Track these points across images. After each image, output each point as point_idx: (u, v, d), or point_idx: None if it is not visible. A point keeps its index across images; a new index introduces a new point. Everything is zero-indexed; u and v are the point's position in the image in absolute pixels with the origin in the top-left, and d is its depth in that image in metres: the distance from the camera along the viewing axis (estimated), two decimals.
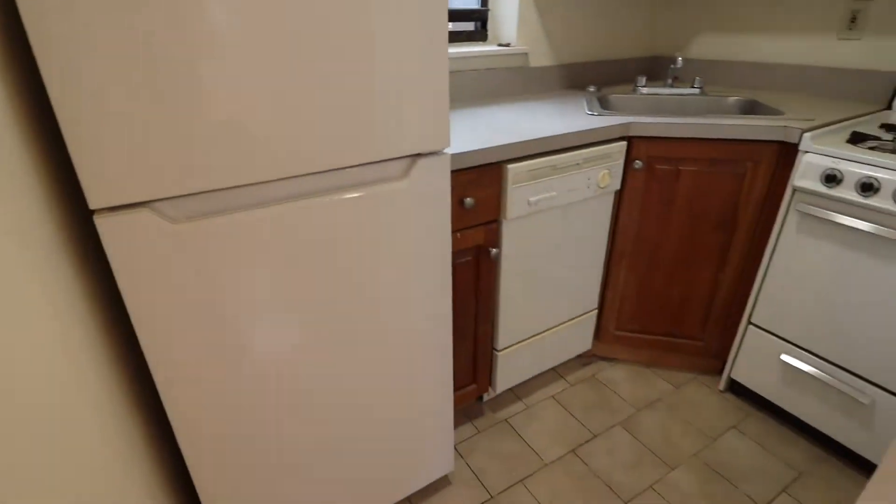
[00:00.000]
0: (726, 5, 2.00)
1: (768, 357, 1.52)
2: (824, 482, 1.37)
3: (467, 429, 1.58)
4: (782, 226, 1.40)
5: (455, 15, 1.90)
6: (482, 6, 1.97)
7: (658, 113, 1.89)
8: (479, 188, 1.25)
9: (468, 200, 1.21)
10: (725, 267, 1.57)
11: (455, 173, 1.19)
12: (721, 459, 1.45)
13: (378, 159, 0.90)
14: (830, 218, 1.26)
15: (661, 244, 1.59)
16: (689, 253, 1.58)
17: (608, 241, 1.63)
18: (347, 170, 0.88)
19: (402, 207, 0.96)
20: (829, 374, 1.37)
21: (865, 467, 1.40)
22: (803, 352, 1.43)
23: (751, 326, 1.55)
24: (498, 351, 1.52)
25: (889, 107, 1.59)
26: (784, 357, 1.47)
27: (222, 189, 0.78)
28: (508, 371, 1.58)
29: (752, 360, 1.57)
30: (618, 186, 1.52)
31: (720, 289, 1.60)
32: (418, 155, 0.96)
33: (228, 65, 0.71)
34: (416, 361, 1.13)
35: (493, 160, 1.23)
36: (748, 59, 1.98)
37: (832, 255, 1.30)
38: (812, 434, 1.52)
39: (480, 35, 1.99)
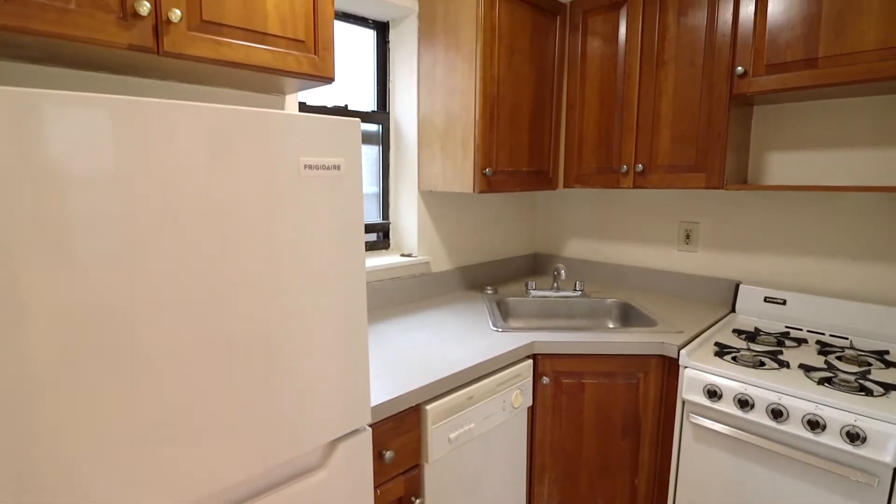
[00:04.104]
0: (586, 220, 2.37)
1: None
2: None
3: None
4: (681, 434, 1.49)
5: None
6: (383, 219, 2.11)
7: (551, 316, 2.06)
8: (398, 436, 1.17)
9: (388, 454, 1.12)
10: (640, 473, 1.59)
11: (372, 426, 1.11)
12: None
13: (285, 459, 0.80)
14: (719, 430, 1.38)
15: (578, 454, 1.60)
16: (605, 461, 1.60)
17: (528, 458, 1.60)
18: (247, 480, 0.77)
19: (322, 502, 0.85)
20: None
21: None
22: None
23: None
24: None
25: (733, 309, 1.90)
26: None
27: None
28: None
29: None
30: (530, 403, 1.54)
31: (638, 495, 1.61)
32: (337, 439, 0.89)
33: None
34: None
35: (412, 404, 1.18)
36: (613, 261, 2.31)
37: (728, 464, 1.39)
38: None
39: (383, 244, 2.10)
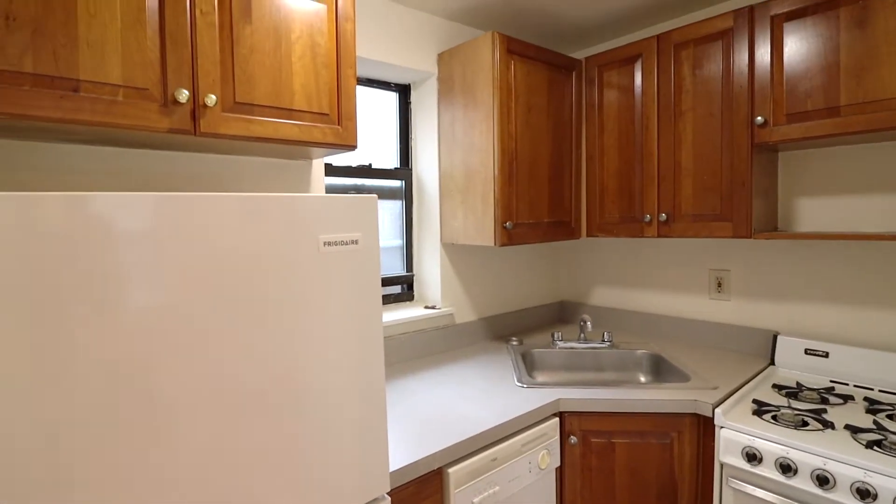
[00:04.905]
0: (612, 268, 2.34)
1: None
2: None
3: None
4: (721, 499, 1.40)
5: (383, 280, 2.03)
6: (407, 271, 2.14)
7: (579, 369, 2.01)
8: (419, 502, 1.15)
9: None
10: None
11: (393, 492, 1.09)
12: None
13: None
14: (762, 496, 1.29)
15: None
16: None
17: None
18: None
19: None
20: None
21: None
22: None
23: None
24: None
25: (772, 362, 1.81)
26: None
27: None
28: None
29: None
30: (557, 464, 1.49)
31: None
32: None
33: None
34: None
35: (433, 468, 1.16)
36: (641, 310, 2.25)
37: None
38: None
39: (407, 296, 2.12)
